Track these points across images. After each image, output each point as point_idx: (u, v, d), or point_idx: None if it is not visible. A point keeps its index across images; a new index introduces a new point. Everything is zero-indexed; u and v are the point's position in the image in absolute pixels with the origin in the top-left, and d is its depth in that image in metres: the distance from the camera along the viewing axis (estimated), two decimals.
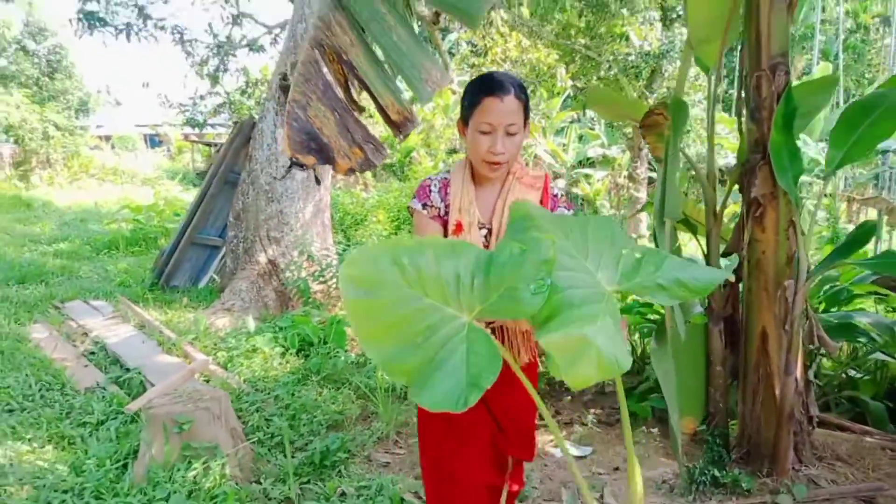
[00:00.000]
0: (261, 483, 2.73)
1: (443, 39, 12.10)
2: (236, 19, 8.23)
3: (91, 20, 7.92)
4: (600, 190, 16.42)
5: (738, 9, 2.42)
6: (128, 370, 3.78)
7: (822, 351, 3.21)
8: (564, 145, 17.15)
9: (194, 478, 2.59)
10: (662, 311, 3.01)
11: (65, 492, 2.58)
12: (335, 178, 11.67)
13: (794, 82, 2.49)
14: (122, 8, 8.49)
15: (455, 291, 1.14)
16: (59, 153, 21.08)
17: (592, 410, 3.74)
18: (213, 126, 12.73)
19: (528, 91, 1.60)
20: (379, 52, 1.60)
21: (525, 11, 9.65)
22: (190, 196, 16.08)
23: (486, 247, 1.64)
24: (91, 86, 23.37)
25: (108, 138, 28.94)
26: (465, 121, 1.62)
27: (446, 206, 1.66)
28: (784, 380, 2.52)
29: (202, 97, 9.83)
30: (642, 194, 14.54)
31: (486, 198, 1.67)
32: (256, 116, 6.29)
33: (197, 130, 14.32)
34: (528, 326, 1.67)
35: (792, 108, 2.38)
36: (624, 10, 11.82)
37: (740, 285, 2.78)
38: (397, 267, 1.14)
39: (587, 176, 16.95)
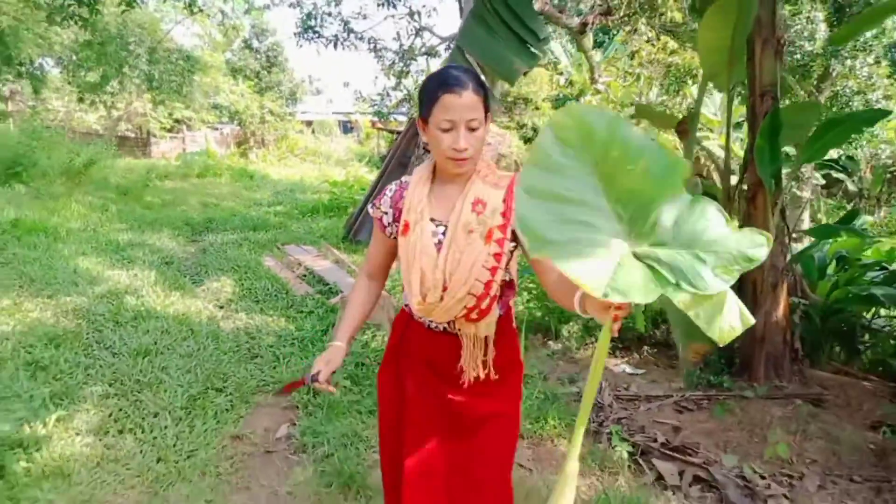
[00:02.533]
0: None
1: (603, 44, 13.08)
2: (419, 32, 10.04)
3: (309, 33, 10.15)
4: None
5: (740, 52, 3.48)
6: (328, 285, 5.60)
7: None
8: (742, 139, 17.10)
9: (366, 340, 4.23)
10: None
11: (294, 339, 4.34)
12: (501, 163, 13.15)
13: None
14: (331, 19, 10.69)
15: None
16: (271, 135, 24.85)
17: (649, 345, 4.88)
18: (395, 117, 14.79)
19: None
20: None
21: (677, 15, 10.36)
22: (373, 175, 18.64)
23: (440, 245, 1.54)
24: (298, 77, 27.15)
25: (309, 123, 33.07)
26: (424, 118, 1.54)
27: (395, 211, 1.63)
28: (760, 317, 3.57)
29: (388, 93, 11.82)
30: (805, 193, 14.34)
31: (450, 195, 1.59)
32: None
33: (382, 120, 16.59)
34: (488, 333, 1.61)
35: (777, 124, 3.41)
36: (784, 11, 11.96)
37: None
38: (601, 142, 1.00)
39: None
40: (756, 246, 0.94)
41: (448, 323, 1.61)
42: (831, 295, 4.37)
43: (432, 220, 1.58)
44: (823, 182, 17.73)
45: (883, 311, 4.68)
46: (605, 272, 0.92)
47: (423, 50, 10.33)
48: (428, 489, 1.60)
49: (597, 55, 14.01)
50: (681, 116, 3.74)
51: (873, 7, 4.36)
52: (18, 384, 3.34)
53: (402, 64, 11.08)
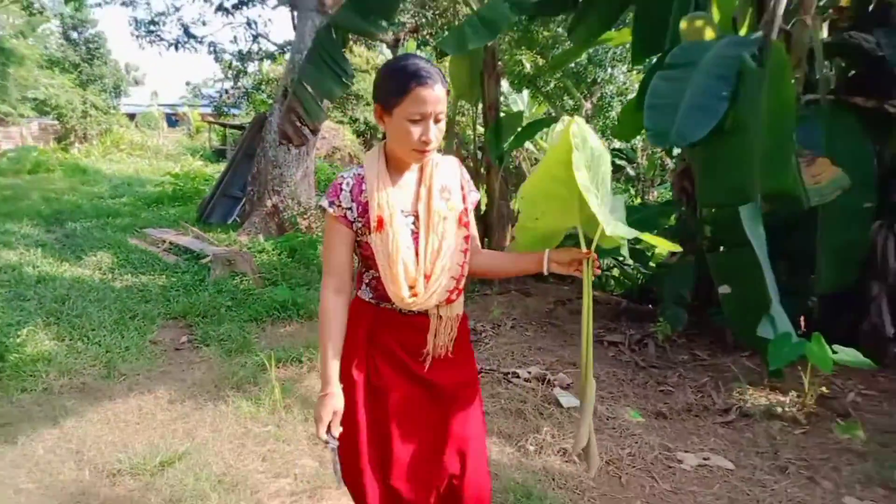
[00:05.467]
0: (263, 290, 5.92)
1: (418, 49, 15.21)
2: (255, 38, 11.41)
3: (149, 36, 11.10)
4: None
5: (476, 80, 5.55)
6: (194, 252, 6.99)
7: None
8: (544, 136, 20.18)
9: (235, 284, 5.79)
10: None
11: (177, 287, 5.78)
12: (330, 157, 14.80)
13: None
14: (169, 19, 11.64)
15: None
16: (94, 129, 24.14)
17: None
18: (229, 110, 15.77)
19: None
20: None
21: None
22: (209, 169, 19.31)
23: (416, 234, 1.61)
24: (121, 69, 26.47)
25: (132, 116, 31.97)
26: (387, 108, 1.55)
27: (358, 206, 1.62)
28: (495, 244, 5.70)
29: (226, 91, 12.97)
30: None
31: (407, 185, 1.65)
32: (268, 112, 9.45)
33: (214, 112, 17.40)
34: (461, 311, 1.73)
35: (499, 126, 5.53)
36: (560, 30, 14.78)
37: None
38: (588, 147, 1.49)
39: None
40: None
41: None
42: None
43: (401, 211, 1.61)
44: (612, 170, 21.55)
45: None
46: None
47: (260, 55, 11.69)
48: (419, 467, 1.68)
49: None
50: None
51: (571, 48, 6.71)
52: None
53: (239, 65, 12.32)
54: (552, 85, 15.58)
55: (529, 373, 3.88)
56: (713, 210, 4.27)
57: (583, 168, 1.45)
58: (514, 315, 5.09)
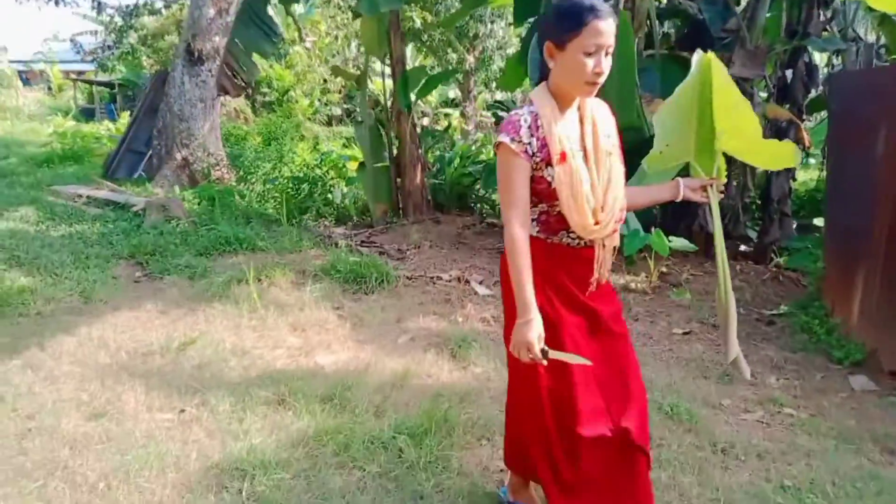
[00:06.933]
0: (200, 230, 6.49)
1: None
2: None
3: None
4: (456, 126, 20.57)
5: (384, 37, 6.35)
6: (118, 203, 7.35)
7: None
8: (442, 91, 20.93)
9: (172, 227, 6.34)
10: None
11: (116, 232, 6.22)
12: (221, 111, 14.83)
13: None
14: None
15: None
16: None
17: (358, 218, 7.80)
18: (114, 66, 15.27)
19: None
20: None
21: None
22: (87, 127, 18.51)
23: (588, 168, 1.69)
24: None
25: None
26: (560, 43, 1.59)
27: (538, 141, 1.66)
28: (408, 182, 6.64)
29: (109, 47, 12.70)
30: (470, 127, 18.57)
31: (572, 122, 1.72)
32: (170, 67, 9.63)
33: (99, 68, 16.66)
34: (618, 242, 1.85)
35: (406, 78, 6.38)
36: None
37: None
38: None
39: (447, 114, 20.97)
40: None
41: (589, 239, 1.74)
42: (453, 176, 7.78)
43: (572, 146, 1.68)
44: (494, 120, 22.87)
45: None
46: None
47: (147, 9, 11.60)
48: (593, 388, 1.79)
49: (299, 8, 16.36)
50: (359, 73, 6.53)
51: (460, 9, 7.62)
52: None
53: (122, 20, 12.12)
54: (436, 39, 16.43)
55: (450, 275, 4.91)
56: None
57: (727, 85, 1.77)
58: (430, 238, 6.10)
